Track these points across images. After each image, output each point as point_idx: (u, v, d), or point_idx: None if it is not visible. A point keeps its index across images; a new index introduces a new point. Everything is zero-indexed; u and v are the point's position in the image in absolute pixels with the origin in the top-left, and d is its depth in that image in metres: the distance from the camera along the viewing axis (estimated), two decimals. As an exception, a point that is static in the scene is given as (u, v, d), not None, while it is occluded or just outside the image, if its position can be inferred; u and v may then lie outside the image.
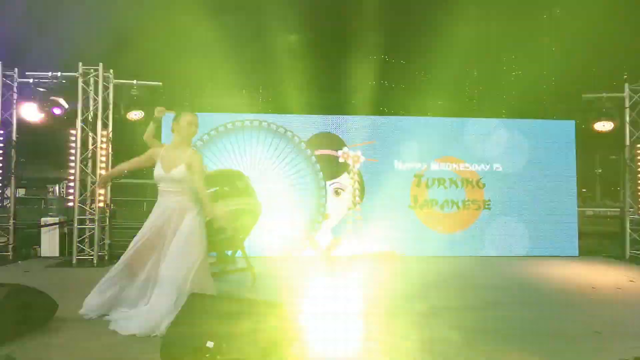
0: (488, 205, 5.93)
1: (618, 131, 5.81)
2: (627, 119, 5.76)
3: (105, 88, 5.26)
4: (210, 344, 1.66)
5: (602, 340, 2.62)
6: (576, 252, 5.91)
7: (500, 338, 2.64)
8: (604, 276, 4.69)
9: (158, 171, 2.76)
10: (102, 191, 5.12)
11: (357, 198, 5.84)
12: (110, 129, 5.29)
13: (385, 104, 6.92)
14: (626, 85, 5.79)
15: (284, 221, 5.71)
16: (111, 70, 5.26)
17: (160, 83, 5.50)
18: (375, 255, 5.59)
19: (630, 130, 5.78)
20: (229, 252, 4.46)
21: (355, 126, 5.93)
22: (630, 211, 5.75)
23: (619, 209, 6.16)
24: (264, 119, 5.86)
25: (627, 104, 5.74)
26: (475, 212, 5.92)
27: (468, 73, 7.30)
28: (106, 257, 5.19)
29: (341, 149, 5.87)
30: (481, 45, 6.94)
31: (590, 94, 5.85)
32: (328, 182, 5.83)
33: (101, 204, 5.14)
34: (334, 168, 5.85)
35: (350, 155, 5.87)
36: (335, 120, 5.95)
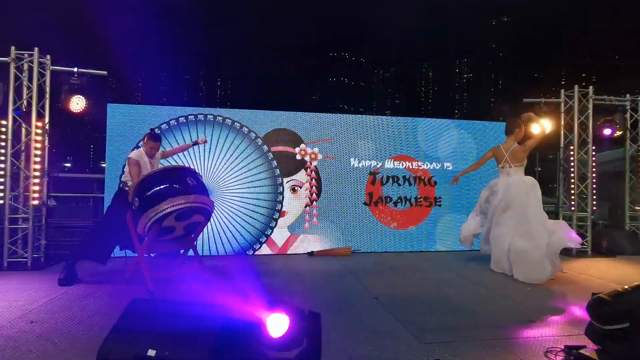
0: (439, 202, 6.19)
1: (555, 133, 6.29)
2: (562, 122, 6.24)
3: (42, 75, 4.84)
4: (151, 352, 1.58)
5: (535, 329, 2.83)
6: (517, 246, 6.34)
7: (437, 329, 2.76)
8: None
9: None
10: (37, 187, 4.71)
11: (314, 195, 5.86)
12: (47, 119, 4.87)
13: (345, 102, 7.01)
14: (562, 91, 6.28)
15: (239, 219, 5.61)
16: (48, 56, 4.84)
17: (106, 72, 5.15)
18: (331, 251, 5.66)
19: (564, 133, 6.28)
20: (181, 251, 4.30)
21: (312, 123, 5.93)
22: (563, 207, 6.26)
23: (554, 205, 6.70)
24: (219, 113, 5.70)
25: (562, 108, 6.23)
26: (427, 208, 6.16)
27: (423, 74, 7.56)
28: (42, 259, 4.79)
29: (298, 146, 5.85)
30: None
31: (530, 98, 6.30)
32: (285, 179, 5.79)
33: (36, 202, 4.73)
34: (291, 165, 5.82)
35: (307, 152, 5.86)
36: (292, 117, 5.92)
